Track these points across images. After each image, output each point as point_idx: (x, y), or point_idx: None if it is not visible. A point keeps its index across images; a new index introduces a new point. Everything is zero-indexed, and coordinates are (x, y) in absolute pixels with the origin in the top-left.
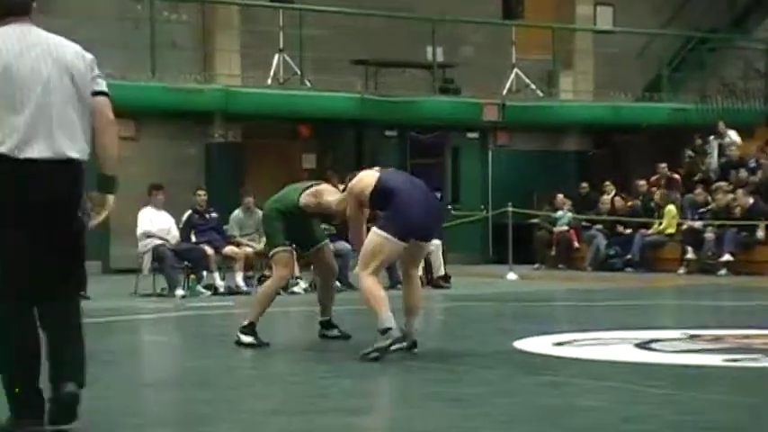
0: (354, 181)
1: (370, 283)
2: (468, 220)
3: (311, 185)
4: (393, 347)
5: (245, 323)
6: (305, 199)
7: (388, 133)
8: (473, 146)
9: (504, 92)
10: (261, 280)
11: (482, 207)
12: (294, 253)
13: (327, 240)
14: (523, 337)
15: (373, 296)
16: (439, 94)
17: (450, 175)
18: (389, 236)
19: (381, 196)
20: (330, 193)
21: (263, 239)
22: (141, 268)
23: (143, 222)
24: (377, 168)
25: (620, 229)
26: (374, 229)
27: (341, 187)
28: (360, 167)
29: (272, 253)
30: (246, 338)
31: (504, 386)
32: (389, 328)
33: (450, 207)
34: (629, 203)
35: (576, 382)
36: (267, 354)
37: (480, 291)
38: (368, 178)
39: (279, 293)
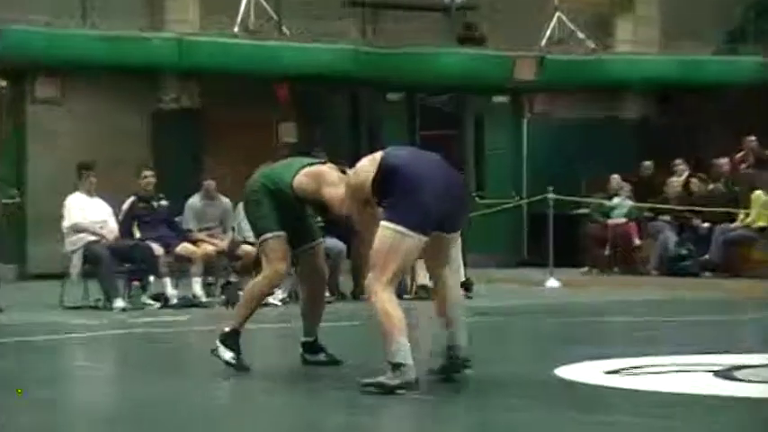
0: (351, 175)
1: (386, 298)
2: (497, 211)
3: (311, 164)
4: (400, 391)
5: (227, 330)
6: (299, 180)
7: (390, 96)
8: (502, 113)
9: (543, 42)
10: (225, 288)
11: (514, 194)
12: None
13: (322, 238)
14: (568, 362)
15: (387, 315)
16: (457, 45)
17: (472, 151)
18: (403, 228)
19: (387, 181)
20: (333, 182)
21: (229, 235)
22: (69, 273)
23: (71, 213)
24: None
25: (696, 221)
26: (382, 222)
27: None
28: (356, 141)
29: (260, 240)
30: (227, 354)
31: (540, 427)
32: (402, 365)
33: (472, 194)
34: (710, 187)
35: (634, 423)
36: (233, 382)
37: (512, 302)
38: (368, 166)
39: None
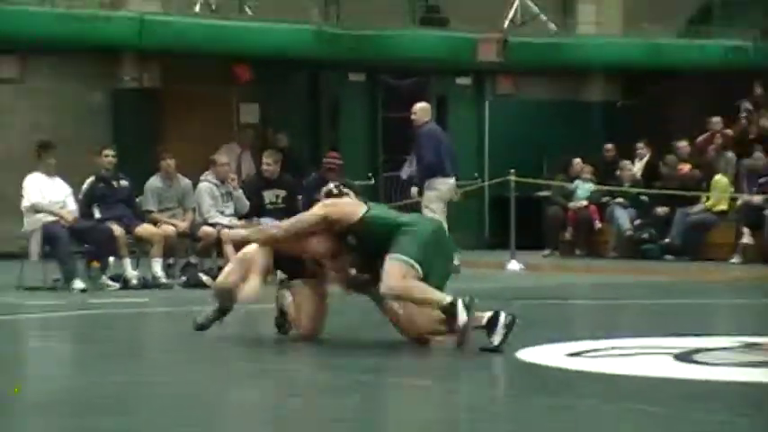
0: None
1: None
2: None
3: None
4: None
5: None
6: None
7: (352, 77)
8: (465, 95)
9: (506, 24)
10: (185, 269)
11: (476, 175)
12: None
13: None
14: (529, 345)
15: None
16: (420, 25)
17: None
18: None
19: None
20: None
21: (189, 216)
22: (28, 253)
23: (30, 193)
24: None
25: (660, 209)
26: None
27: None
28: (317, 122)
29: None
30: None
31: (502, 409)
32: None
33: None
34: (687, 169)
35: (595, 405)
36: (195, 364)
37: (473, 285)
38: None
39: None
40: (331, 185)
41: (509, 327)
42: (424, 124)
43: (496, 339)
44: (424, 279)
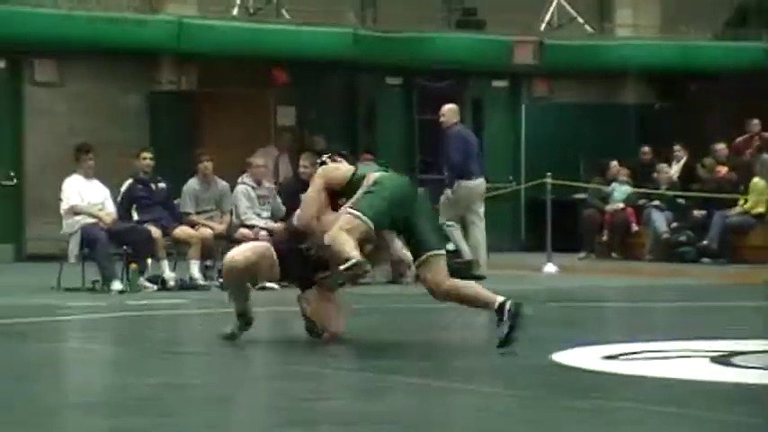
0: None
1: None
2: (494, 196)
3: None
4: None
5: None
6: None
7: (389, 80)
8: (501, 97)
9: (543, 27)
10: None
11: (511, 178)
12: None
13: None
14: (564, 348)
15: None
16: (456, 29)
17: None
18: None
19: None
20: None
21: (226, 218)
22: (67, 255)
23: (69, 195)
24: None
25: (696, 212)
26: None
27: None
28: (354, 125)
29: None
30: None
31: (537, 413)
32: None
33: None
34: (724, 172)
35: (631, 408)
36: (230, 365)
37: (509, 287)
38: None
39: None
40: (324, 156)
41: (515, 316)
42: (452, 126)
43: (504, 330)
44: (407, 232)
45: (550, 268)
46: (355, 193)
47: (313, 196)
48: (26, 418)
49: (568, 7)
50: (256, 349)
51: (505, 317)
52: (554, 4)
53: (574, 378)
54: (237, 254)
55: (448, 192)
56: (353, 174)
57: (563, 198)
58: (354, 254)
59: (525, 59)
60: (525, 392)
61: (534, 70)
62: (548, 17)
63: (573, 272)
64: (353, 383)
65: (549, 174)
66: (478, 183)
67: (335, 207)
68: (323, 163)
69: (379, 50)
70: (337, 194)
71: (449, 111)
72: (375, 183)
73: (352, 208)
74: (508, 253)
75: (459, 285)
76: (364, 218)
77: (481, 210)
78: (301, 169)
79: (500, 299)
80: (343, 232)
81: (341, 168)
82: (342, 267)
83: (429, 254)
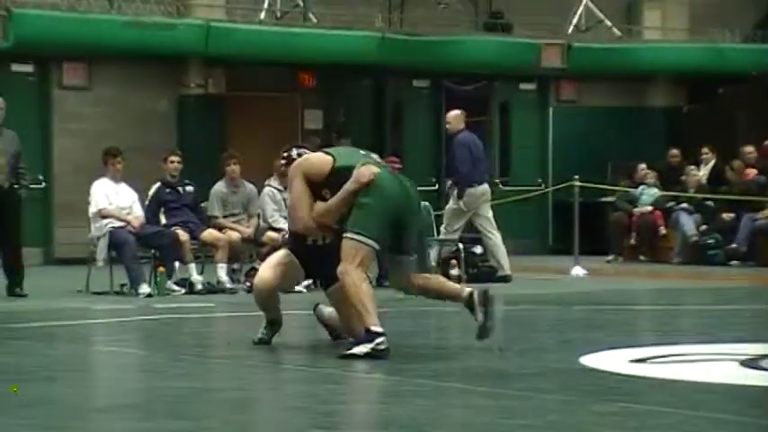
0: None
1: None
2: (521, 198)
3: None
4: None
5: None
6: None
7: (416, 83)
8: (528, 100)
9: (570, 30)
10: (250, 274)
11: (539, 181)
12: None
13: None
14: (592, 351)
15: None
16: (483, 32)
17: (497, 138)
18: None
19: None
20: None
21: (253, 221)
22: (94, 258)
23: (97, 199)
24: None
25: (726, 215)
26: None
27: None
28: (381, 128)
29: None
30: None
31: (565, 416)
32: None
33: (497, 181)
34: (753, 174)
35: (660, 412)
36: (257, 369)
37: (536, 290)
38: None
39: None
40: (293, 152)
41: (485, 302)
42: (458, 132)
43: (479, 318)
44: (398, 237)
45: (578, 271)
46: (342, 185)
47: (298, 196)
48: (55, 420)
49: (596, 10)
50: (283, 352)
51: (477, 307)
52: (582, 6)
53: (602, 381)
54: (264, 272)
55: (453, 201)
56: (333, 163)
57: (591, 201)
58: (375, 328)
59: (553, 62)
60: (554, 396)
61: (561, 73)
62: (575, 20)
63: (601, 275)
64: (378, 387)
65: (576, 176)
66: (483, 189)
67: (321, 199)
68: (289, 161)
69: (406, 54)
70: (319, 186)
71: (455, 118)
72: (373, 188)
73: (352, 232)
74: (535, 256)
75: (427, 279)
76: (369, 241)
77: (490, 214)
78: None
79: (467, 289)
80: (360, 280)
81: (311, 158)
82: (363, 348)
83: (407, 257)
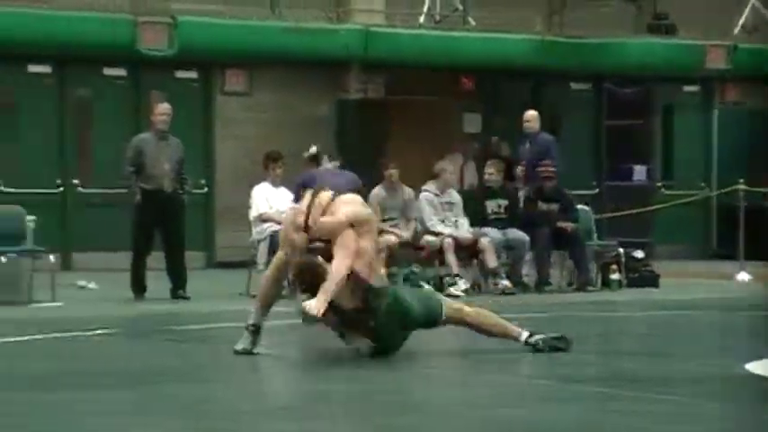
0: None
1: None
2: (685, 202)
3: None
4: None
5: None
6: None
7: (576, 86)
8: (692, 103)
9: (736, 31)
10: (408, 278)
11: (703, 184)
12: None
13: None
14: (759, 357)
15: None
16: (647, 33)
17: (660, 141)
18: None
19: None
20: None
21: (411, 225)
22: (255, 261)
23: (258, 203)
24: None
25: None
26: None
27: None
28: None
29: None
30: None
31: (728, 424)
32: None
33: (659, 184)
34: None
35: None
36: (413, 373)
37: (700, 295)
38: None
39: None
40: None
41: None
42: (539, 133)
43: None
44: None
45: (743, 276)
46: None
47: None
48: (216, 422)
49: (763, 10)
50: (440, 358)
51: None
52: (749, 6)
53: None
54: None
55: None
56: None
57: (757, 204)
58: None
59: (717, 64)
60: (717, 403)
61: (726, 75)
62: (741, 20)
63: (766, 280)
64: (538, 392)
65: (741, 180)
66: None
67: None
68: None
69: (565, 56)
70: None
71: (536, 118)
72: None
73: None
74: (698, 261)
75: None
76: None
77: None
78: (487, 176)
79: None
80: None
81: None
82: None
83: None
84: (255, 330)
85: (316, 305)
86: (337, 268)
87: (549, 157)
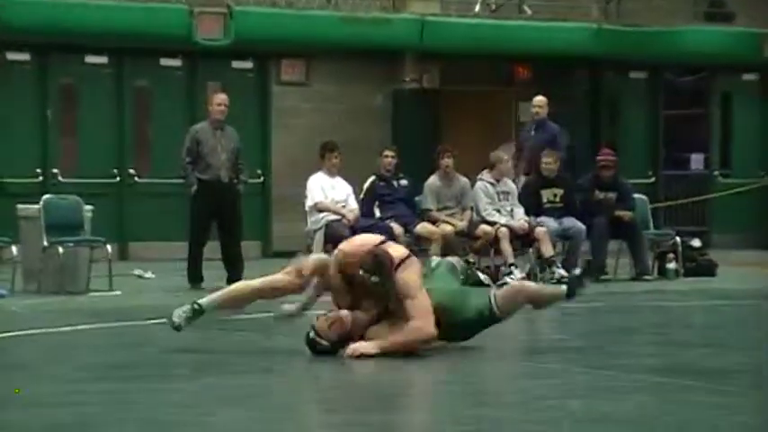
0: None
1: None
2: (742, 191)
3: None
4: None
5: None
6: None
7: (633, 75)
8: (750, 91)
9: None
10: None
11: (762, 173)
12: None
13: None
14: None
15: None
16: (704, 21)
17: (718, 130)
18: None
19: None
20: None
21: (467, 215)
22: (311, 251)
23: (314, 192)
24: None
25: None
26: None
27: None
28: (597, 121)
29: None
30: None
31: None
32: None
33: (717, 173)
34: None
35: None
36: (470, 364)
37: (757, 285)
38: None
39: None
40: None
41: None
42: (545, 119)
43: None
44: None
45: None
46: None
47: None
48: (267, 413)
49: None
50: (502, 349)
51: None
52: None
53: None
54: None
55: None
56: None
57: None
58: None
59: None
60: None
61: None
62: None
63: None
64: (594, 382)
65: None
66: None
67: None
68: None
69: (622, 45)
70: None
71: (545, 104)
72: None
73: None
74: (756, 250)
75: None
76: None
77: None
78: (543, 165)
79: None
80: None
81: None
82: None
83: None
84: (198, 311)
85: (363, 349)
86: (419, 329)
87: (555, 146)
